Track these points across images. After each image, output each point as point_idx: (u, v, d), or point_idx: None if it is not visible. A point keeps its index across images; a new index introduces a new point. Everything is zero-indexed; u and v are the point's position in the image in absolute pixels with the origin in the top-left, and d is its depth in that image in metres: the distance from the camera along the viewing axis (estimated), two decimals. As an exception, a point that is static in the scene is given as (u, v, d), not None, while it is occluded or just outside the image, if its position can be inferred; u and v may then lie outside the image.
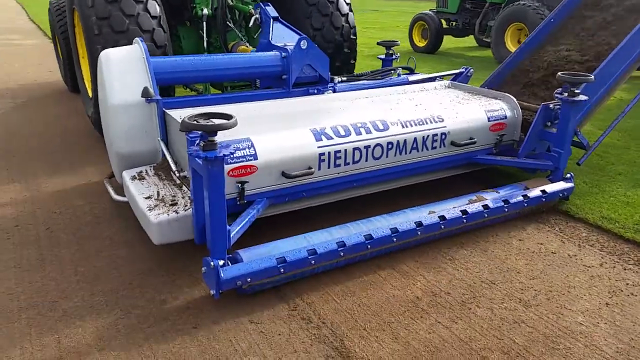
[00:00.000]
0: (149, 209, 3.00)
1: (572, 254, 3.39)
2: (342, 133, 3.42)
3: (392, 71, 5.04)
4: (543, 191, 3.76)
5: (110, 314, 2.68)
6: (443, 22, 11.81)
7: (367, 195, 3.77)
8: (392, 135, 3.58)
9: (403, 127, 3.64)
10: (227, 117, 2.55)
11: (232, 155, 3.00)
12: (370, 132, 3.51)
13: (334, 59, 5.71)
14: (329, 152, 3.34)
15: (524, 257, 3.33)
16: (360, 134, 3.47)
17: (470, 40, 12.75)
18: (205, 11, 5.18)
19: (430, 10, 12.13)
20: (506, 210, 3.58)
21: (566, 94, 3.73)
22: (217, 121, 2.50)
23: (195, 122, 2.48)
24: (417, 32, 12.05)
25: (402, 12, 23.21)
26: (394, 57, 5.45)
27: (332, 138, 3.37)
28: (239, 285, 2.70)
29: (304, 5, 5.56)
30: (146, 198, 3.13)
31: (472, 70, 5.11)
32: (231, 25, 5.40)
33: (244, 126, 3.36)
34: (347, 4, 5.78)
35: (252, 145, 3.10)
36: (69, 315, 2.67)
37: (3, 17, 18.85)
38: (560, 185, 3.87)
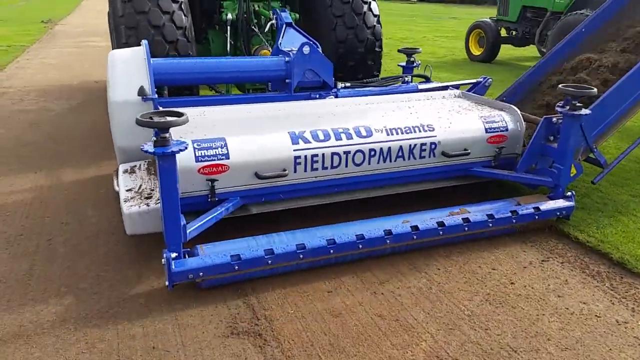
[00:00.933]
0: (125, 201, 3.19)
1: (621, 320, 2.78)
2: (321, 137, 3.45)
3: (401, 79, 4.96)
4: (536, 208, 3.56)
5: (72, 347, 2.50)
6: (502, 30, 11.39)
7: (372, 200, 3.75)
8: (375, 142, 3.55)
9: (388, 134, 3.60)
10: (179, 115, 2.67)
11: (203, 154, 3.14)
12: (352, 138, 3.51)
13: (356, 70, 5.73)
14: (305, 156, 3.38)
15: (560, 319, 2.78)
16: (340, 139, 3.48)
17: (531, 50, 12.18)
18: (230, 16, 5.39)
19: (490, 18, 11.74)
20: (490, 225, 3.44)
21: (567, 107, 3.52)
22: (169, 119, 2.63)
23: (149, 119, 2.62)
24: (473, 40, 11.70)
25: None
26: (414, 64, 5.37)
27: (309, 142, 3.41)
28: (191, 278, 2.81)
29: (330, 16, 5.62)
30: (127, 190, 3.33)
31: (490, 80, 4.92)
32: (255, 29, 5.57)
33: (225, 127, 3.50)
34: (375, 16, 5.77)
35: (225, 145, 3.21)
36: (32, 342, 2.53)
37: (90, 21, 20.42)
38: (557, 204, 3.65)
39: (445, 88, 4.82)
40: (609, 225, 3.75)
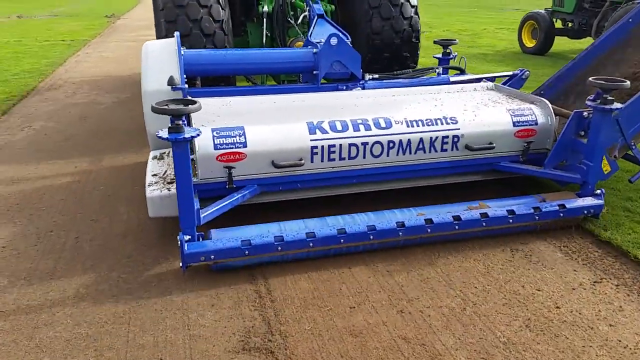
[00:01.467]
0: (149, 185, 3.35)
1: (685, 357, 2.40)
2: (339, 128, 3.47)
3: (432, 70, 4.88)
4: (561, 205, 3.43)
5: (80, 353, 2.43)
6: (557, 22, 10.89)
7: (393, 193, 3.72)
8: (394, 134, 3.54)
9: (408, 126, 3.57)
10: (193, 103, 2.78)
11: (222, 142, 3.24)
12: (370, 129, 3.51)
13: (391, 62, 5.68)
14: (322, 146, 3.41)
15: (610, 353, 2.43)
16: (358, 130, 3.49)
17: (588, 42, 11.56)
18: (266, 8, 5.49)
19: (545, 9, 11.25)
20: (510, 221, 3.34)
21: (598, 101, 3.36)
22: (181, 106, 2.74)
23: (165, 106, 2.75)
24: (526, 32, 11.24)
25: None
26: (451, 56, 5.27)
27: (327, 132, 3.44)
28: (203, 260, 2.92)
29: (366, 7, 5.59)
30: (153, 175, 3.49)
31: (527, 72, 4.75)
32: (292, 21, 5.63)
33: (246, 116, 3.59)
34: (413, 6, 5.69)
35: (244, 134, 3.30)
36: (42, 346, 2.48)
37: (151, 15, 21.26)
38: (584, 202, 3.49)
39: (478, 80, 4.70)
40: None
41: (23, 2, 27.42)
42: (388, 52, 5.63)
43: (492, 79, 4.76)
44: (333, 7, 5.84)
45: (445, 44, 5.22)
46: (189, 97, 3.82)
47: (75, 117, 6.42)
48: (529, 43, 11.18)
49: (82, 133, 5.79)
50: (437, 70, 4.91)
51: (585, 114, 3.53)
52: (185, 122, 2.85)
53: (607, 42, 4.66)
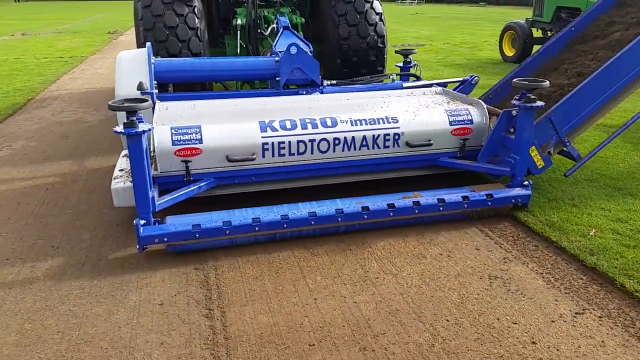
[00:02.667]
0: (115, 178, 3.73)
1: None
2: (288, 127, 3.84)
3: (387, 77, 5.26)
4: (489, 195, 3.77)
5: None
6: (536, 31, 11.30)
7: (341, 186, 4.05)
8: (340, 131, 3.90)
9: (352, 125, 3.94)
10: (145, 102, 3.16)
11: (179, 138, 3.62)
12: (317, 128, 3.87)
13: (359, 65, 6.08)
14: (273, 142, 3.78)
15: None
16: (306, 128, 3.86)
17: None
18: (240, 21, 5.90)
19: (526, 19, 11.68)
20: (441, 209, 3.69)
21: (522, 100, 3.71)
22: (133, 104, 3.12)
23: (120, 104, 3.13)
24: (507, 42, 11.67)
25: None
26: (411, 64, 5.65)
27: (277, 130, 3.80)
28: (157, 242, 3.28)
29: (334, 16, 6.02)
30: (120, 170, 3.86)
31: (477, 78, 5.12)
32: (265, 33, 6.05)
33: (206, 117, 3.98)
34: (378, 14, 6.10)
35: (200, 131, 3.68)
36: None
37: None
38: (512, 192, 3.83)
39: (430, 85, 5.06)
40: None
41: (31, 20, 28.22)
42: (356, 57, 6.02)
43: (444, 85, 5.13)
44: (303, 19, 6.25)
45: (405, 53, 5.61)
46: (157, 101, 4.24)
47: (57, 136, 6.26)
48: (509, 52, 11.59)
49: (61, 153, 5.59)
50: (391, 77, 5.28)
51: (513, 112, 3.88)
52: (142, 119, 3.22)
53: (554, 48, 5.03)
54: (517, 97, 3.79)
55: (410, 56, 5.62)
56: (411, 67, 5.65)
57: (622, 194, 4.30)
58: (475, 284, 3.09)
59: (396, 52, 5.71)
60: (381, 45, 6.10)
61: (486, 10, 35.31)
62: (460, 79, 5.20)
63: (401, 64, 5.68)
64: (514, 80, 3.76)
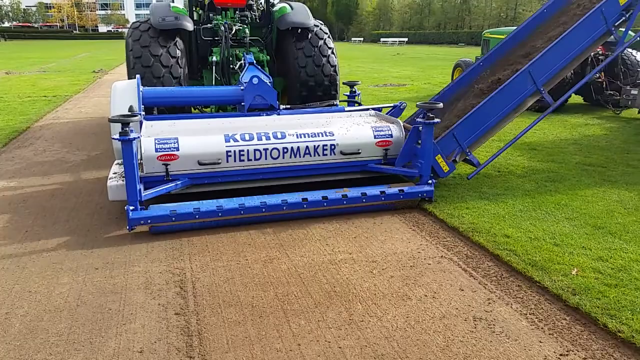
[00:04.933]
0: (110, 178, 4.77)
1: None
2: (247, 138, 4.95)
3: (332, 103, 6.46)
4: (401, 190, 4.90)
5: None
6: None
7: (292, 186, 5.06)
8: (287, 142, 5.02)
9: (297, 137, 5.07)
10: (135, 116, 4.26)
11: (161, 147, 4.70)
12: (270, 139, 4.99)
13: (315, 89, 7.28)
14: (234, 150, 4.87)
15: None
16: (261, 139, 4.97)
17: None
18: (215, 58, 7.07)
19: (476, 57, 13.18)
20: (364, 200, 4.80)
21: (423, 118, 4.90)
22: (127, 118, 4.21)
23: (117, 117, 4.22)
24: (456, 77, 13.15)
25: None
26: (356, 94, 6.88)
27: (238, 141, 4.91)
28: (142, 223, 4.31)
29: (294, 50, 7.25)
30: (114, 173, 4.91)
31: (405, 104, 6.34)
32: (236, 68, 7.23)
33: (183, 132, 5.07)
34: (329, 48, 7.34)
35: (177, 142, 4.76)
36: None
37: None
38: (419, 188, 4.98)
39: (366, 110, 6.25)
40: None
41: (16, 59, 28.97)
42: (313, 82, 7.20)
43: (379, 109, 6.33)
44: (268, 57, 7.48)
45: (351, 84, 6.85)
46: (144, 120, 5.33)
47: (37, 177, 6.16)
48: (459, 88, 13.04)
49: (39, 196, 5.47)
50: (335, 103, 6.48)
51: (420, 128, 5.05)
52: (133, 130, 4.29)
53: (476, 70, 6.30)
54: (421, 116, 4.97)
55: (355, 86, 6.85)
56: (356, 95, 6.88)
57: (602, 233, 4.31)
58: (460, 326, 3.06)
59: (344, 83, 6.93)
60: (333, 73, 7.31)
61: (465, 51, 35.97)
62: (392, 104, 6.40)
63: (348, 93, 6.92)
64: (417, 103, 4.95)
